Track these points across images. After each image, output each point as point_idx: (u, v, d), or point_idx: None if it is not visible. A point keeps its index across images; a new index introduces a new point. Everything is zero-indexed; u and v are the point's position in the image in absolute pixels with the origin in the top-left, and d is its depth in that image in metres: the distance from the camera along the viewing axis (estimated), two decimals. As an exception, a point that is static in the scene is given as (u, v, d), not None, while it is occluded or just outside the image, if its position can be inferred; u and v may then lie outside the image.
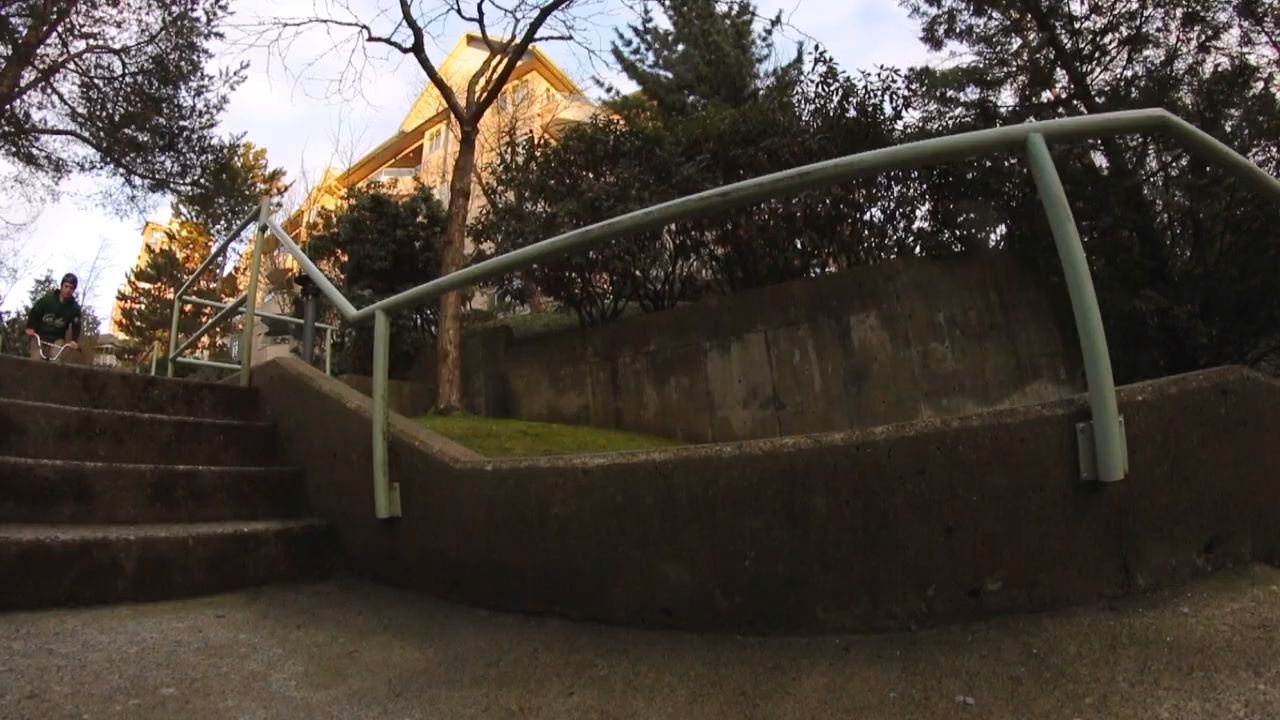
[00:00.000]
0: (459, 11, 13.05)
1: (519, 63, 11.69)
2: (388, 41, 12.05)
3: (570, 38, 12.07)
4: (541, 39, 12.05)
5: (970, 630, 1.73)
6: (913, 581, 1.81)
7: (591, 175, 9.77)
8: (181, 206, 26.46)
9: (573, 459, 2.36)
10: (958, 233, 8.93)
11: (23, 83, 13.30)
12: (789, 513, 1.93)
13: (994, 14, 12.85)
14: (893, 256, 9.19)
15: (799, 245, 9.25)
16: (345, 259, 13.76)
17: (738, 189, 2.29)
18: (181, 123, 15.28)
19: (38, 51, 13.28)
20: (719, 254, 9.96)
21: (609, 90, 18.67)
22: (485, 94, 11.35)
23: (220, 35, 14.79)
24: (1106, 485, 1.74)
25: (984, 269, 8.13)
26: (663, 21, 18.14)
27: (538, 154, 10.57)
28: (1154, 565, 1.76)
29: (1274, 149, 10.19)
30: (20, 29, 13.04)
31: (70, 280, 11.56)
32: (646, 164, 9.15)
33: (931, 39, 13.67)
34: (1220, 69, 10.73)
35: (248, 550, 2.82)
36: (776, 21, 17.81)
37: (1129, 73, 11.45)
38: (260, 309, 16.87)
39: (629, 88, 18.62)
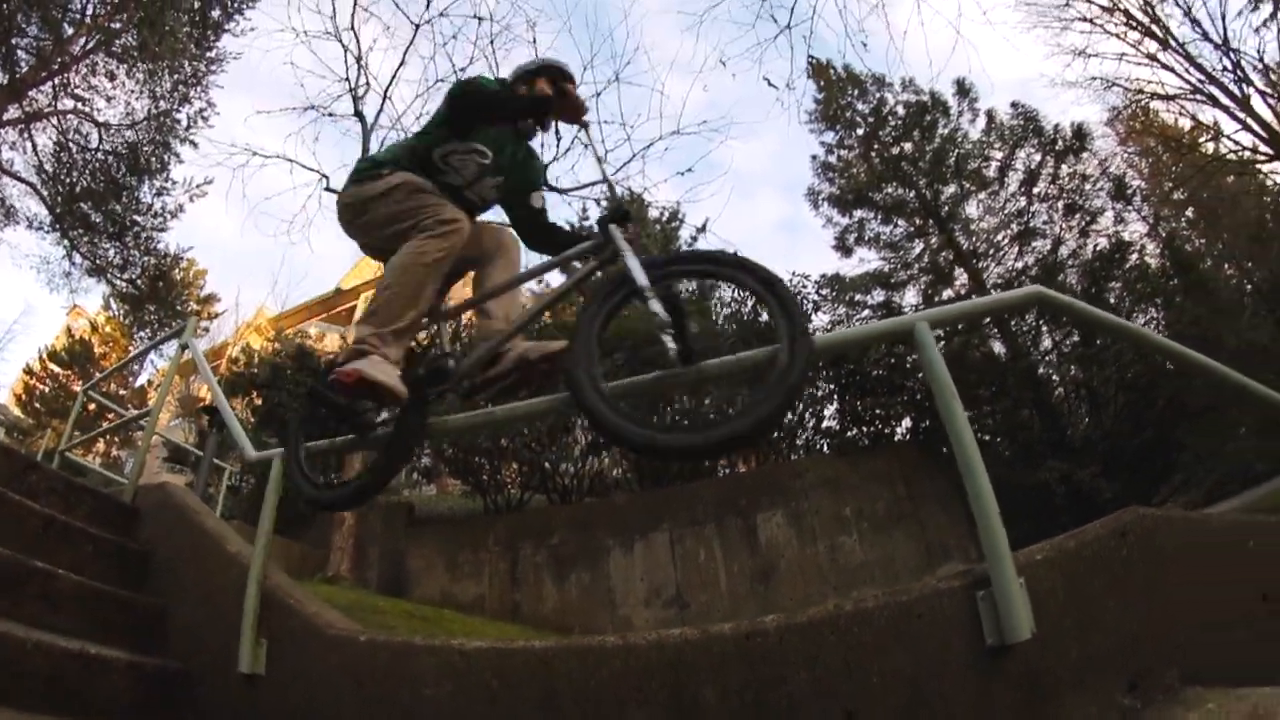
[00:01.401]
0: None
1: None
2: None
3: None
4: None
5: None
6: (813, 773, 1.72)
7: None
8: (113, 300, 25.44)
9: (450, 639, 2.30)
10: (865, 429, 9.32)
11: (5, 116, 13.04)
12: (677, 705, 1.85)
13: (899, 221, 14.34)
14: (801, 455, 9.52)
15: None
16: (259, 402, 13.31)
17: (632, 383, 2.49)
18: (135, 216, 14.97)
19: (29, 93, 13.16)
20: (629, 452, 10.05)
21: (540, 283, 19.26)
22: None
23: (195, 144, 14.74)
24: (1014, 647, 1.72)
25: (891, 461, 8.45)
26: (603, 222, 18.99)
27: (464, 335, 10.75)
28: (1078, 718, 1.72)
29: (1153, 310, 11.46)
30: (22, 64, 12.95)
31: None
32: (567, 355, 9.35)
33: (842, 247, 15.06)
34: (1099, 249, 12.16)
35: (92, 674, 2.51)
36: (703, 229, 18.83)
37: (1019, 264, 12.84)
38: (164, 430, 15.83)
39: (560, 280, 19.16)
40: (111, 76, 13.86)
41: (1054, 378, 10.79)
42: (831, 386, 9.41)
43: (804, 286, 9.90)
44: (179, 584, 3.39)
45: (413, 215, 2.61)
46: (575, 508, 9.51)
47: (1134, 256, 12.42)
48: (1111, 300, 11.75)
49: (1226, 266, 18.45)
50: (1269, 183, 18.77)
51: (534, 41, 12.37)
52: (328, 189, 12.71)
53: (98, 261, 15.43)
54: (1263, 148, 16.77)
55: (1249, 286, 16.62)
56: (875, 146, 15.36)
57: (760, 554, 8.04)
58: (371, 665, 2.34)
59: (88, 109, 14.01)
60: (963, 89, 15.32)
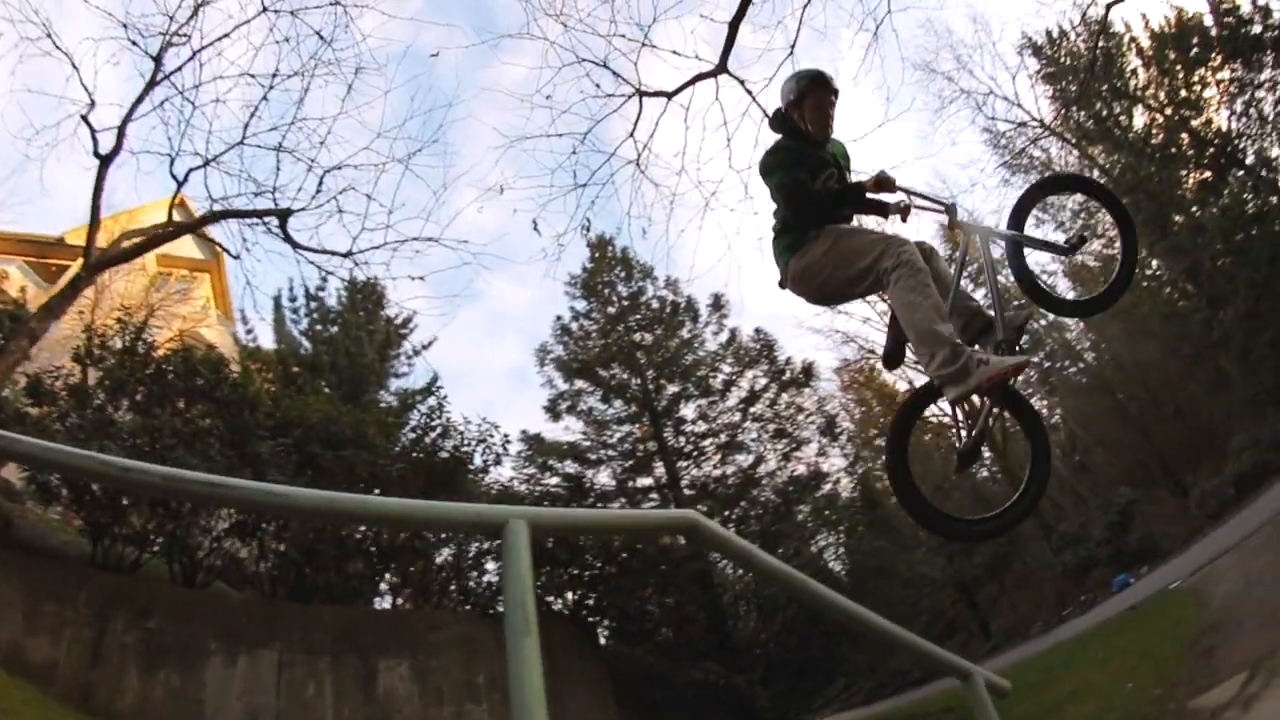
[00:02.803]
0: (171, 165, 11.84)
1: (203, 260, 10.94)
2: (92, 132, 10.27)
3: (238, 258, 11.33)
4: (215, 242, 11.43)
5: None
6: None
7: (182, 403, 9.09)
8: None
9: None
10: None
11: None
12: None
13: (616, 403, 15.09)
14: (466, 607, 9.32)
15: (358, 568, 9.08)
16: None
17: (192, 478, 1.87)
18: None
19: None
20: (277, 549, 9.34)
21: (250, 333, 18.01)
22: (129, 248, 10.31)
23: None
24: None
25: (540, 633, 8.34)
26: (335, 300, 18.32)
27: (139, 350, 9.63)
28: None
29: (833, 536, 13.76)
30: None
31: None
32: (230, 421, 8.82)
33: (553, 411, 15.69)
34: (797, 473, 13.83)
35: None
36: (427, 347, 18.36)
37: (718, 471, 14.04)
38: None
39: (269, 341, 18.18)
40: None
41: (729, 578, 11.50)
42: (487, 545, 9.29)
43: (490, 435, 10.01)
44: None
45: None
46: (188, 594, 8.46)
47: (828, 486, 14.00)
48: (800, 518, 12.97)
49: (909, 507, 21.70)
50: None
51: (350, 89, 11.60)
52: (83, 117, 10.56)
53: None
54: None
55: (927, 527, 19.99)
56: (620, 328, 16.30)
57: (377, 703, 7.57)
58: None
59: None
60: (718, 303, 17.13)
